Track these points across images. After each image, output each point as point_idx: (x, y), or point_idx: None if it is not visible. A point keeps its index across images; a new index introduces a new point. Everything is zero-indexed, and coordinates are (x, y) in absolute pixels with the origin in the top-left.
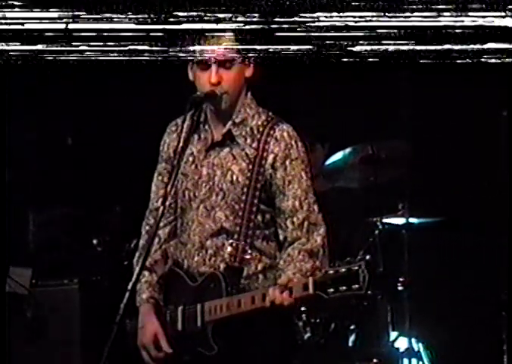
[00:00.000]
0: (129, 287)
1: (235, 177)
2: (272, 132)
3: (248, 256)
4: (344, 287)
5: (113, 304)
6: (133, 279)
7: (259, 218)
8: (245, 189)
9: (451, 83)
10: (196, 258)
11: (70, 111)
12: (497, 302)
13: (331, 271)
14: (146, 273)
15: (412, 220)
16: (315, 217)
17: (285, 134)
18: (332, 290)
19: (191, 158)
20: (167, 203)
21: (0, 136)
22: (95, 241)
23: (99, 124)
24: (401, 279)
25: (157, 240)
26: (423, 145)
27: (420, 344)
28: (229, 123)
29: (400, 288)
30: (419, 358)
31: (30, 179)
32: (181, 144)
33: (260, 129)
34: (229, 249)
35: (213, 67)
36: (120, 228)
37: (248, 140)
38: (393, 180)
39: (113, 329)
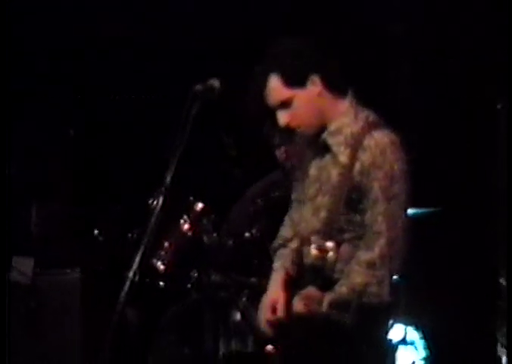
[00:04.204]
0: (130, 274)
1: (334, 181)
2: (362, 140)
3: (330, 257)
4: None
5: (115, 293)
6: (133, 267)
7: (347, 224)
8: (341, 194)
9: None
10: (304, 250)
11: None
12: (493, 291)
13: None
14: (282, 250)
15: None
16: (379, 227)
17: (372, 143)
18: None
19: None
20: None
21: (2, 129)
22: (96, 231)
23: (102, 117)
24: None
25: (290, 222)
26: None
27: (416, 333)
28: (325, 132)
29: (395, 277)
30: (415, 346)
31: (32, 169)
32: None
33: (355, 137)
34: (315, 250)
35: (278, 113)
36: (121, 218)
37: (342, 148)
38: None
39: (115, 318)
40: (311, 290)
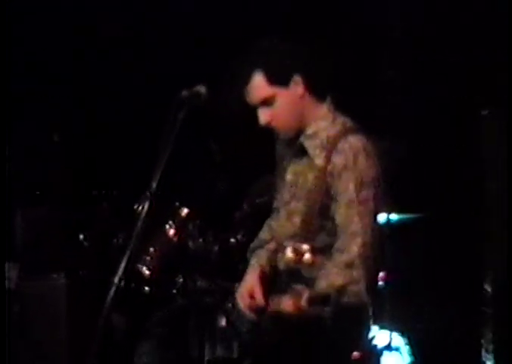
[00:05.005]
0: (116, 280)
1: (310, 185)
2: (338, 144)
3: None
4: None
5: (100, 298)
6: (119, 272)
7: (321, 227)
8: (316, 198)
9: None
10: (278, 255)
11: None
12: (478, 297)
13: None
14: (258, 250)
15: (391, 216)
16: (355, 226)
17: (346, 146)
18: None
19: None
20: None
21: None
22: (81, 236)
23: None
24: (380, 274)
25: (267, 228)
26: (404, 142)
27: (401, 338)
28: (302, 136)
29: (380, 283)
30: (400, 352)
31: (17, 174)
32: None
33: (330, 140)
34: (291, 253)
35: (259, 111)
36: (107, 223)
37: (318, 151)
38: None
39: (100, 323)
40: (300, 288)
